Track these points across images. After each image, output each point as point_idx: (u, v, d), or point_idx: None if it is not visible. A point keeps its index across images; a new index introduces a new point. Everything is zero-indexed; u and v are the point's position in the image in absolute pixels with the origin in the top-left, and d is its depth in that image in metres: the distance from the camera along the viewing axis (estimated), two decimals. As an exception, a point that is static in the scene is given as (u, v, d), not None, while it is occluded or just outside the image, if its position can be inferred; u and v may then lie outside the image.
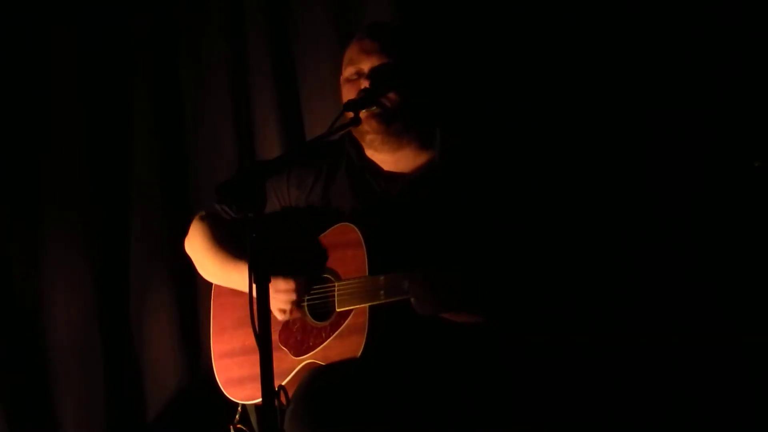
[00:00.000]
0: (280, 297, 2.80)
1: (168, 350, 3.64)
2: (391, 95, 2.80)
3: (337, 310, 2.77)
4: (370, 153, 2.92)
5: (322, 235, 2.85)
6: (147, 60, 3.67)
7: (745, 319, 2.99)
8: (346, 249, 2.78)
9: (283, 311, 2.82)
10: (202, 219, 3.04)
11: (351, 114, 2.77)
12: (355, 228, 2.77)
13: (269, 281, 2.38)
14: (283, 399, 2.71)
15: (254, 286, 2.35)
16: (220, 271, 2.95)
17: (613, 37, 3.14)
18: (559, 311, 2.78)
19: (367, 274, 2.73)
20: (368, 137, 2.85)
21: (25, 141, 3.66)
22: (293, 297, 2.80)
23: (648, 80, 3.11)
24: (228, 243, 2.95)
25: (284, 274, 2.80)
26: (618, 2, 3.13)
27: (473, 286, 2.61)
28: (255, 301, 2.35)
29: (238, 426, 2.93)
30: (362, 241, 2.75)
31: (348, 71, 2.86)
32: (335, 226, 2.83)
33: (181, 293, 3.64)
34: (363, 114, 2.78)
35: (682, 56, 3.07)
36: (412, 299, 2.64)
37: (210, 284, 3.04)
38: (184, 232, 3.12)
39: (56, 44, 3.65)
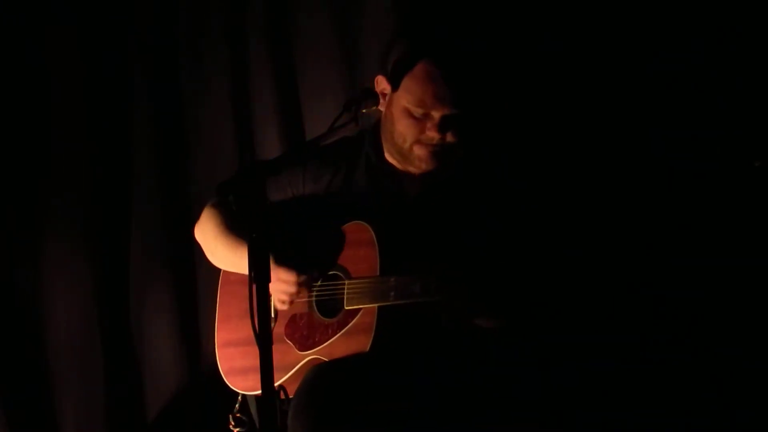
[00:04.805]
0: (280, 286, 2.79)
1: (168, 350, 3.65)
2: (450, 137, 2.79)
3: (346, 308, 2.77)
4: (389, 156, 2.91)
5: (336, 231, 2.84)
6: (148, 61, 3.67)
7: (745, 319, 2.99)
8: (358, 247, 2.77)
9: (282, 301, 2.82)
10: (214, 206, 3.03)
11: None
12: (369, 227, 2.76)
13: (269, 281, 2.38)
14: (282, 397, 2.72)
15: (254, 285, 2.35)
16: (231, 255, 2.93)
17: (612, 38, 3.14)
18: (567, 314, 2.78)
19: (378, 274, 2.73)
20: (409, 155, 2.82)
21: (25, 141, 3.66)
22: (292, 290, 2.78)
23: (648, 81, 3.12)
24: (238, 229, 2.95)
25: (293, 265, 2.79)
26: (619, 2, 3.14)
27: (485, 291, 2.62)
28: (255, 300, 2.35)
29: (237, 415, 2.93)
30: (375, 240, 2.74)
31: (415, 109, 2.78)
32: (350, 223, 2.81)
33: (181, 293, 3.64)
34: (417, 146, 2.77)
35: (683, 56, 3.08)
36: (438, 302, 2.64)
37: (211, 278, 3.04)
38: (185, 233, 3.11)
39: (57, 44, 3.66)
